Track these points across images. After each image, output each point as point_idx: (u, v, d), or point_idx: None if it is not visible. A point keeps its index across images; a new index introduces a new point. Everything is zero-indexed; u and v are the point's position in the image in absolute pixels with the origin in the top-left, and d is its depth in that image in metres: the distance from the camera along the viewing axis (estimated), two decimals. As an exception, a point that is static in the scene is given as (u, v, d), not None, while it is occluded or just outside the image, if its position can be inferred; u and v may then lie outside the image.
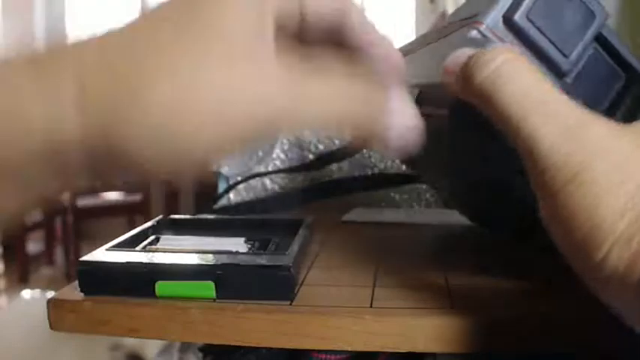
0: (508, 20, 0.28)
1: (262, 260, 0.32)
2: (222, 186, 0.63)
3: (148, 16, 0.24)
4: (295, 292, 0.32)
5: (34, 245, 3.02)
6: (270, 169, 0.64)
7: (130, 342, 1.54)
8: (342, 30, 0.27)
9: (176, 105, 0.22)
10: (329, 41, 0.28)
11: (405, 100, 0.27)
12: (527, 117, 0.22)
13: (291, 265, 0.31)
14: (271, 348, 0.30)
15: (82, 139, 0.22)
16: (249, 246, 0.39)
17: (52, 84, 0.21)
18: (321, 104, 0.24)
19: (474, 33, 0.28)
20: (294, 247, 0.35)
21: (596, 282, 0.21)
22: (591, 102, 0.29)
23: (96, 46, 0.22)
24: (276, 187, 0.64)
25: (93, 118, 0.21)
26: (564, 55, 0.29)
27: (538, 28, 0.28)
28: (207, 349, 0.42)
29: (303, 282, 0.34)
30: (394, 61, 0.28)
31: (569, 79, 0.29)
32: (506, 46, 0.27)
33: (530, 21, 0.28)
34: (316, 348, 0.31)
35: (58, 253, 3.13)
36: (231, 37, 0.23)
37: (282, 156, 0.65)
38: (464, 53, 0.26)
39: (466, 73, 0.25)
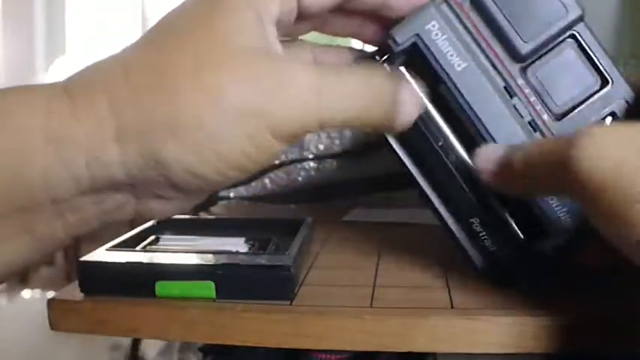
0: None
1: (262, 260, 0.32)
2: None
3: (163, 33, 0.25)
4: (295, 292, 0.32)
5: (34, 245, 3.01)
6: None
7: (130, 342, 1.54)
8: None
9: (205, 118, 0.23)
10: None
11: (413, 90, 0.28)
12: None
13: (291, 265, 0.31)
14: (271, 348, 0.30)
15: (124, 167, 0.24)
16: (249, 246, 0.39)
17: (90, 119, 0.23)
18: (344, 101, 0.25)
19: (443, 6, 0.29)
20: (294, 247, 0.35)
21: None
22: (558, 98, 0.30)
23: (122, 74, 0.24)
24: (275, 187, 0.64)
25: (133, 149, 0.23)
26: (523, 40, 0.30)
27: (500, 9, 0.29)
28: (207, 349, 0.42)
29: (303, 282, 0.34)
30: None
31: (533, 68, 0.30)
32: None
33: (494, 1, 0.30)
34: (316, 348, 0.31)
35: (58, 253, 3.12)
36: (244, 48, 0.24)
37: (283, 157, 0.65)
38: (495, 151, 0.27)
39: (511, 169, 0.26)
